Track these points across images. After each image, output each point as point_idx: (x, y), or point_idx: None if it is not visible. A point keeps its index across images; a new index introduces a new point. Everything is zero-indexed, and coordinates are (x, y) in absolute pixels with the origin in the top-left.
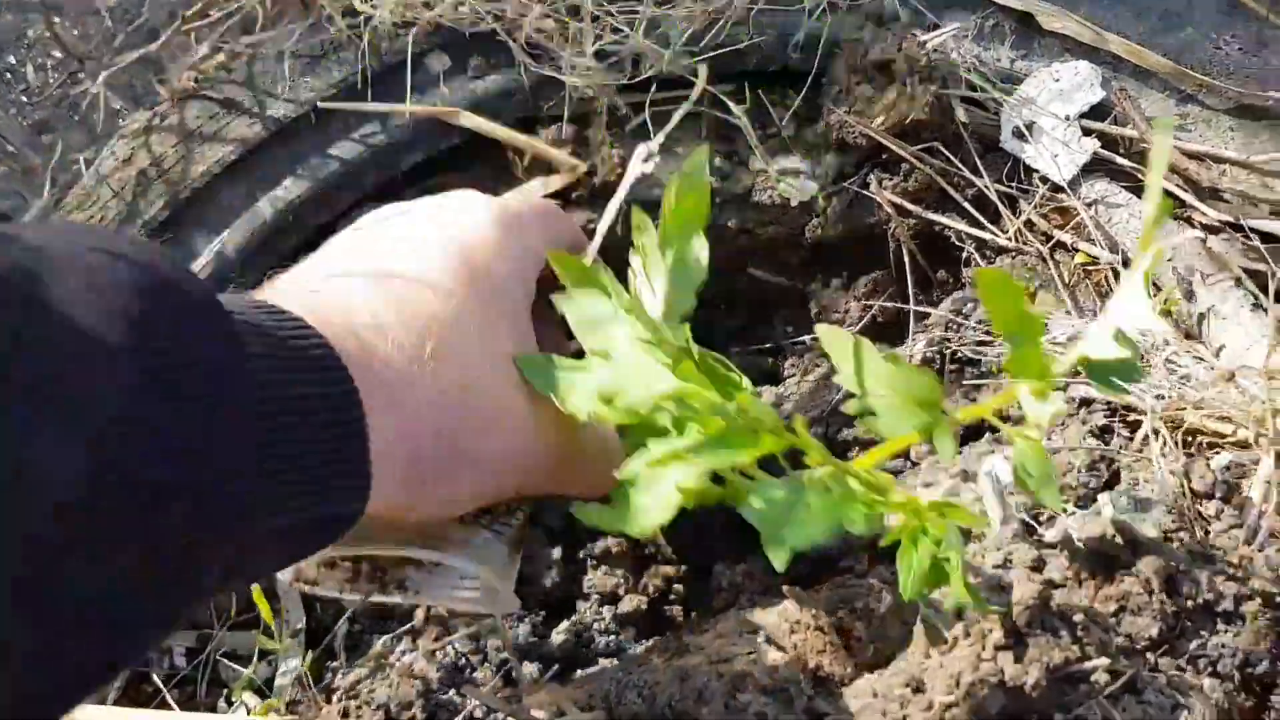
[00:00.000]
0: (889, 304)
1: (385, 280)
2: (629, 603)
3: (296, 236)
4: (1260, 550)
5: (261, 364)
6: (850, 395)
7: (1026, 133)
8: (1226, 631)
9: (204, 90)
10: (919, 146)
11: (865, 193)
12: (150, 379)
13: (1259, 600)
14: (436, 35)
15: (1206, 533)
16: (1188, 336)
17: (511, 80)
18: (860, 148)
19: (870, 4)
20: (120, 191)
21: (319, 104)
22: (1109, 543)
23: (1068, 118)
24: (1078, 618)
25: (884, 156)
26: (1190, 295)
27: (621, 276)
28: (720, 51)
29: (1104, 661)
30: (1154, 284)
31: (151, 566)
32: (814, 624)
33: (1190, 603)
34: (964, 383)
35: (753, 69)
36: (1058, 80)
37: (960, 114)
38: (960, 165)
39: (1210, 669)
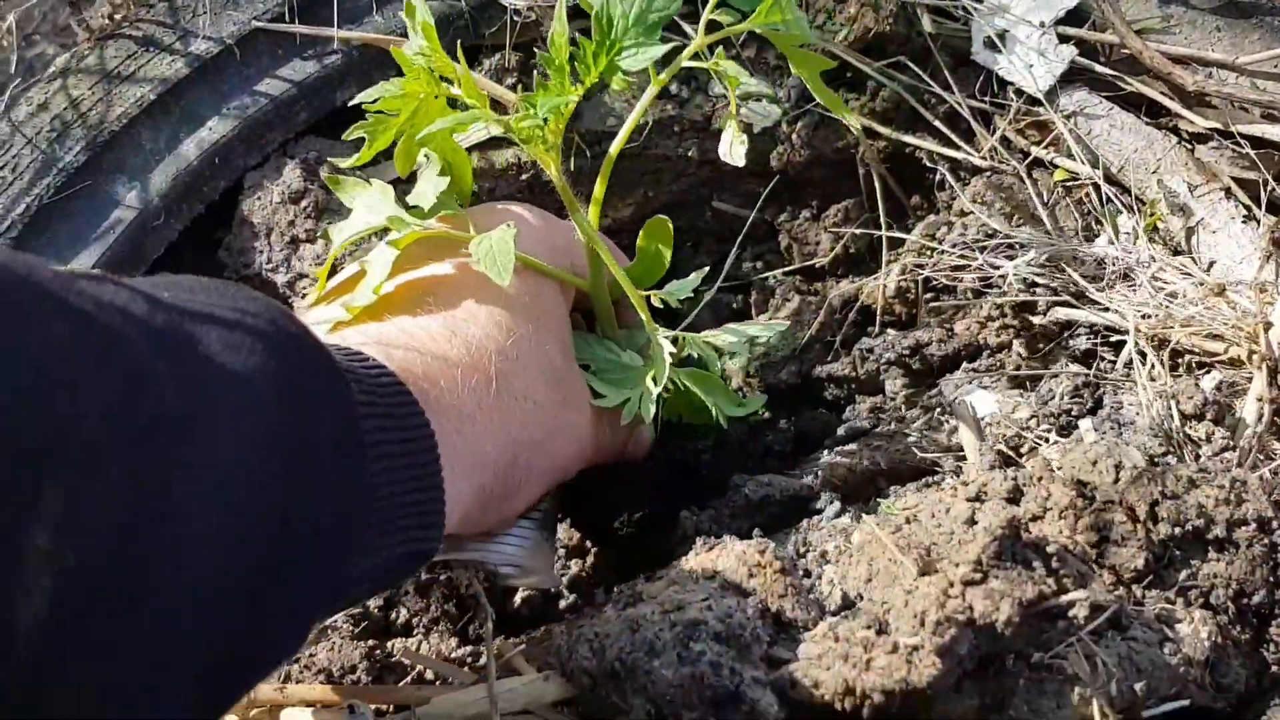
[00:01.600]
0: (861, 231)
1: (451, 317)
2: (594, 558)
3: (224, 179)
4: (1255, 471)
5: (363, 411)
6: None
7: (999, 43)
8: (1219, 560)
9: (123, 29)
10: (885, 62)
11: (831, 115)
12: (286, 455)
13: (1254, 525)
14: None
15: (1197, 456)
16: (1176, 252)
17: (451, 6)
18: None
19: None
20: (34, 138)
21: (253, 23)
22: (1090, 470)
23: (1043, 24)
24: (1053, 549)
25: (849, 75)
26: (1178, 208)
27: None
28: None
29: (1083, 595)
30: (1139, 199)
31: (268, 605)
32: (774, 566)
33: (1179, 530)
34: (937, 306)
35: None
36: None
37: (927, 24)
38: (930, 81)
39: (1202, 600)
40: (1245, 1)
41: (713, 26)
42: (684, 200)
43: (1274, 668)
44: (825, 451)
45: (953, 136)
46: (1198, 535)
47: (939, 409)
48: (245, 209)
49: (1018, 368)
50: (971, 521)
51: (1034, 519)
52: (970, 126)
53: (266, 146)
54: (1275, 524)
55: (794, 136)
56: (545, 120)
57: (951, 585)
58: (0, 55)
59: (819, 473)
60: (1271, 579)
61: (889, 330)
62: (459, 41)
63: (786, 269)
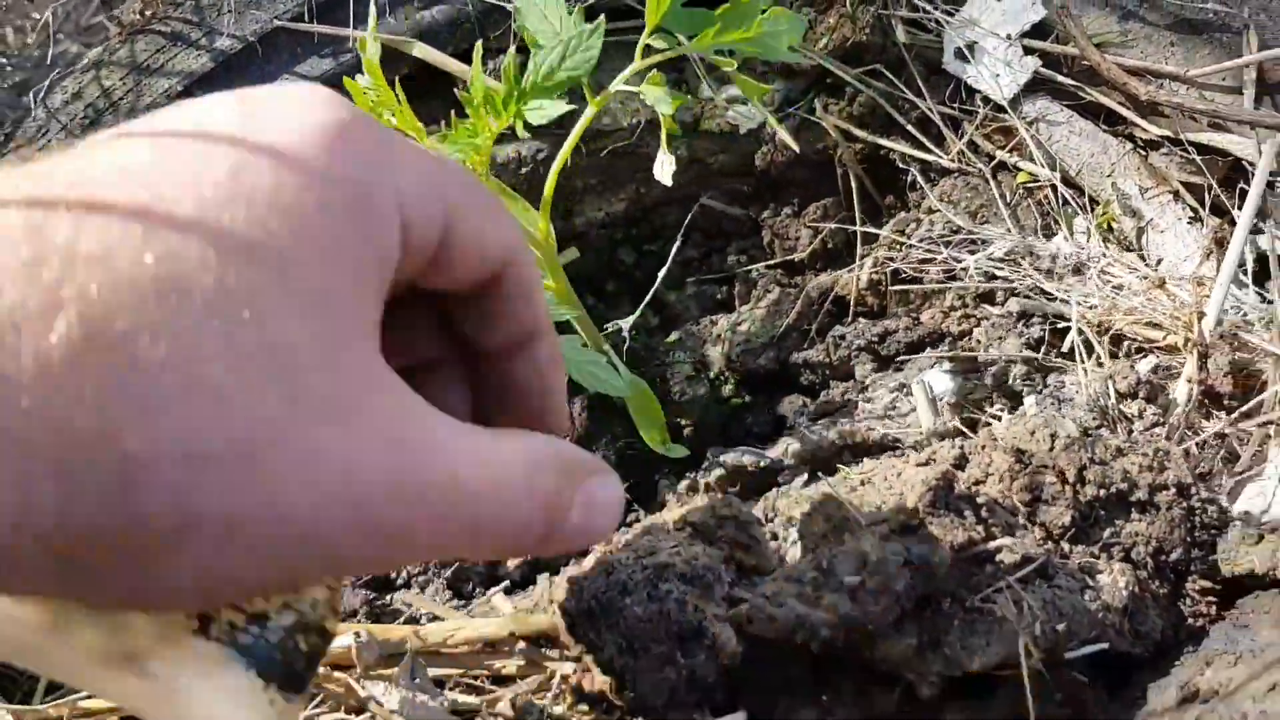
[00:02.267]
0: (837, 227)
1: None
2: None
3: None
4: (1181, 445)
5: None
6: None
7: (968, 53)
8: (1140, 520)
9: (152, 25)
10: (861, 70)
11: (812, 118)
12: None
13: (1174, 490)
14: None
15: (1130, 430)
16: (1127, 249)
17: (457, 9)
18: (805, 72)
19: None
20: (69, 124)
21: (275, 21)
22: (1029, 439)
23: (1009, 37)
24: (982, 500)
25: (828, 81)
26: (1130, 210)
27: None
28: None
29: (1008, 541)
30: (1094, 200)
31: None
32: (740, 518)
33: (1104, 492)
34: (905, 296)
35: None
36: (1000, 0)
37: (901, 35)
38: (903, 88)
39: (1123, 555)
40: (1197, 19)
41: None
42: (674, 197)
43: (1190, 620)
44: (797, 429)
45: (924, 140)
46: (1121, 498)
47: (903, 390)
48: None
49: (974, 352)
50: (928, 486)
51: (977, 483)
52: (940, 131)
53: None
54: (1194, 490)
55: (777, 137)
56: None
57: (892, 530)
58: (26, 51)
59: (789, 447)
60: (1189, 539)
61: (860, 320)
62: (474, 43)
63: (768, 263)
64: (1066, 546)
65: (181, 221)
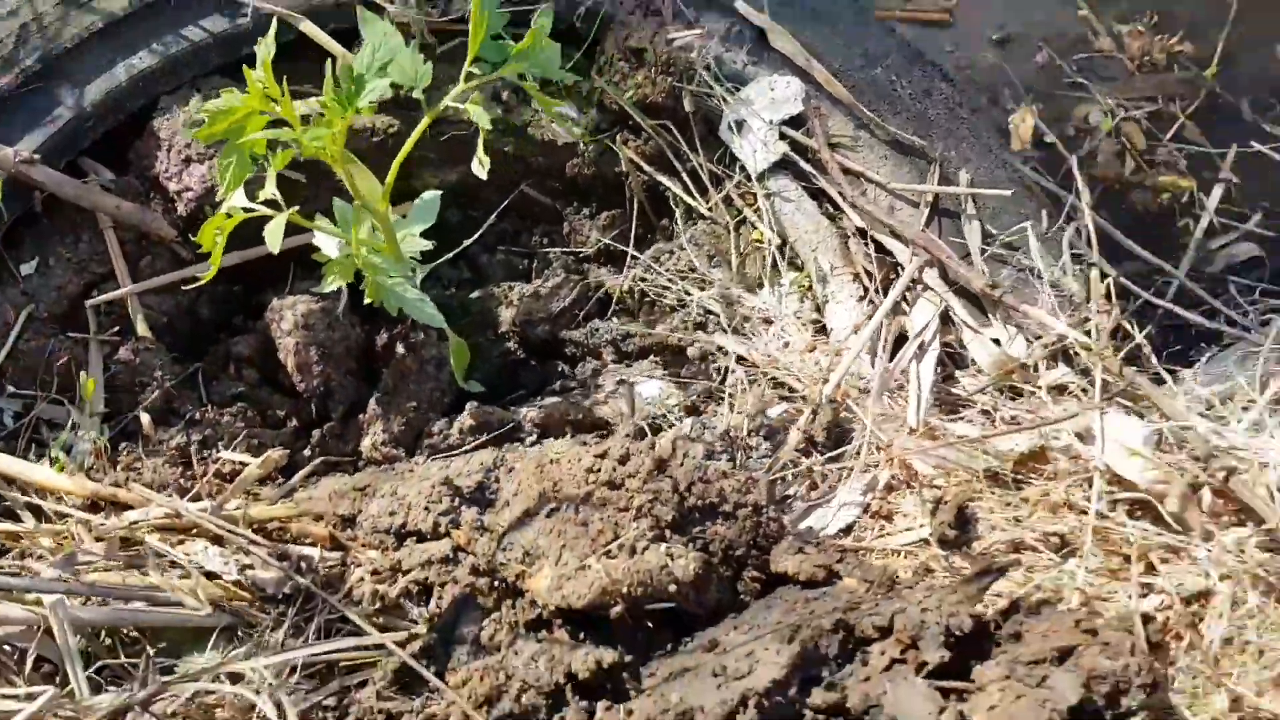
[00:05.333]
0: (612, 243)
1: None
2: None
3: (143, 99)
4: (778, 474)
5: None
6: None
7: (738, 128)
8: (722, 525)
9: None
10: (656, 121)
11: (615, 146)
12: None
13: (750, 508)
14: None
15: (748, 458)
16: (818, 309)
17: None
18: (616, 110)
19: None
20: (4, 39)
21: None
22: (669, 452)
23: (771, 122)
24: (623, 491)
25: (630, 123)
26: (822, 280)
27: None
28: (522, 8)
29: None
30: (799, 266)
31: None
32: (476, 473)
33: (702, 502)
34: (650, 310)
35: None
36: (773, 90)
37: (687, 104)
38: (684, 143)
39: (702, 546)
40: (905, 144)
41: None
42: (500, 182)
43: (742, 597)
44: (541, 398)
45: (691, 188)
46: (714, 508)
47: (623, 383)
48: (155, 125)
49: (679, 370)
50: (591, 470)
51: (628, 476)
52: (704, 184)
53: (180, 79)
54: (765, 510)
55: (586, 154)
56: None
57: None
58: None
59: (529, 412)
60: (752, 542)
61: (615, 318)
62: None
63: (564, 249)
64: (667, 534)
65: None
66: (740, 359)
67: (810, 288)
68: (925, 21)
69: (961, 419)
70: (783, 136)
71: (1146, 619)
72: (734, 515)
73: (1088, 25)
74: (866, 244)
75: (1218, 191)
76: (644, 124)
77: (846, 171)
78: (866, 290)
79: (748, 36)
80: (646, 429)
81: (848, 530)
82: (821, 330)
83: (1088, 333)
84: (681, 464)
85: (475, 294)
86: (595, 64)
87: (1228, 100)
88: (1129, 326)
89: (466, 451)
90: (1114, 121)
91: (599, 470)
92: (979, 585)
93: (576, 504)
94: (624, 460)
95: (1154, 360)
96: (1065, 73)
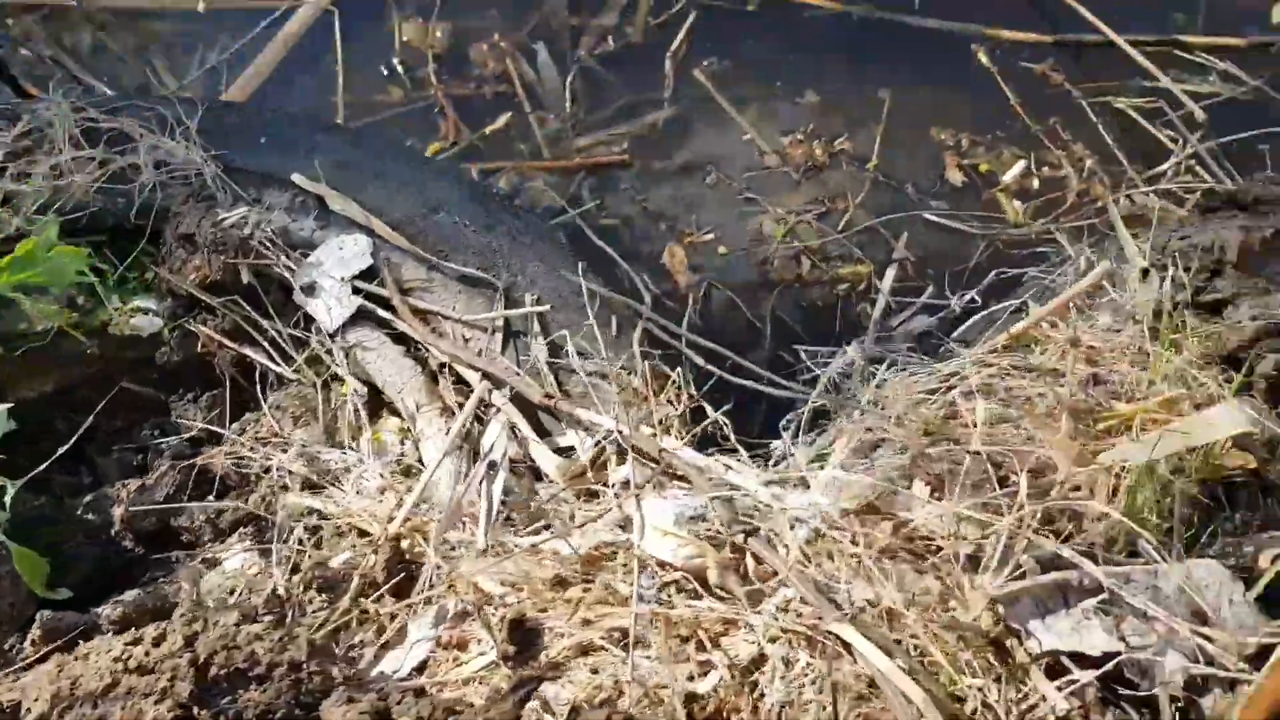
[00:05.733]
0: (218, 420)
1: None
2: None
3: None
4: (316, 628)
5: None
6: None
7: (310, 290)
8: (256, 690)
9: None
10: (225, 298)
11: (194, 327)
12: None
13: (287, 666)
14: None
15: (303, 614)
16: (401, 457)
17: None
18: (187, 296)
19: (196, 181)
20: None
21: None
22: (198, 625)
23: (342, 279)
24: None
25: (203, 305)
26: (411, 419)
27: None
28: (75, 215)
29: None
30: (391, 411)
31: None
32: None
33: (228, 670)
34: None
35: (110, 226)
36: (341, 249)
37: (246, 277)
38: (256, 314)
39: (235, 715)
40: (472, 278)
41: None
42: (93, 383)
43: None
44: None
45: (274, 354)
46: (243, 673)
47: (197, 563)
48: None
49: (263, 537)
50: (118, 659)
51: (148, 666)
52: (285, 349)
53: None
54: (305, 666)
55: (172, 342)
56: None
57: None
58: None
59: (107, 610)
60: (294, 702)
61: (217, 497)
62: None
63: (177, 437)
64: (195, 710)
65: None
66: (319, 514)
67: (380, 438)
68: (609, 164)
69: (547, 529)
70: (356, 290)
71: (692, 699)
72: (269, 677)
73: (754, 146)
74: (450, 377)
75: (891, 272)
76: (214, 302)
77: (420, 312)
78: (454, 425)
79: (311, 204)
80: (211, 607)
81: (421, 668)
82: (411, 471)
83: (660, 422)
84: (206, 634)
85: (88, 498)
86: (160, 255)
87: (892, 184)
88: (708, 408)
89: (37, 663)
90: (785, 228)
91: (129, 658)
92: (515, 699)
93: (95, 699)
94: (158, 642)
95: (730, 438)
96: (737, 190)
